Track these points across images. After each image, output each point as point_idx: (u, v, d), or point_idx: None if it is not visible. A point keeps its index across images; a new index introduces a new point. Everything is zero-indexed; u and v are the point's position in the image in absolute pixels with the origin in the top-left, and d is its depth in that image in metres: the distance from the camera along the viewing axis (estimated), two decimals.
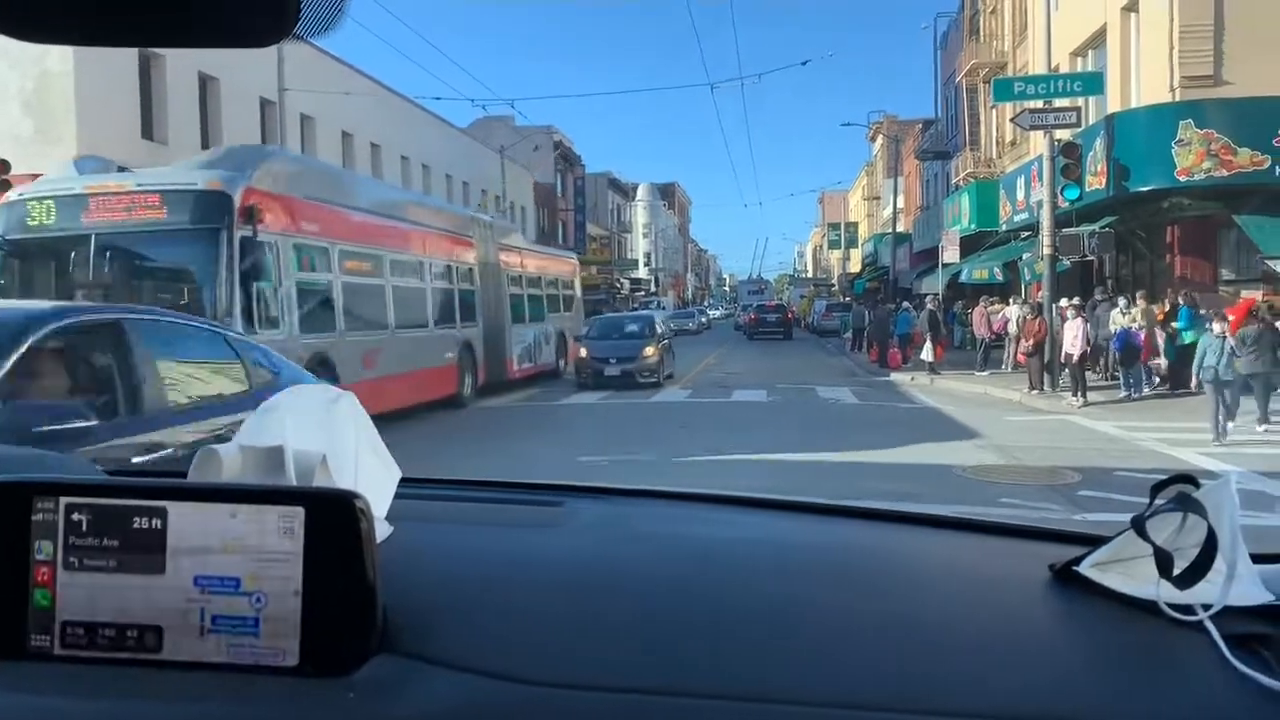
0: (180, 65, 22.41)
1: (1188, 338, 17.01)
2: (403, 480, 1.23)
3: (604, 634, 0.99)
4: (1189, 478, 1.04)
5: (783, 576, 1.15)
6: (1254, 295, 16.87)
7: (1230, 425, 12.47)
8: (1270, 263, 16.85)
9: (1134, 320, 17.09)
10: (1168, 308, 17.54)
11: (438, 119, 38.80)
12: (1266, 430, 12.85)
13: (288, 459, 1.06)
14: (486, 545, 1.24)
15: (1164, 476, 1.07)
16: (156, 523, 0.93)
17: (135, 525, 0.93)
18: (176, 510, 0.93)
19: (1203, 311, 16.69)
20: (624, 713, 0.88)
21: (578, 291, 28.15)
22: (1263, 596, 1.02)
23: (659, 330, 22.41)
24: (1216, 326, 13.04)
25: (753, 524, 1.47)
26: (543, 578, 1.12)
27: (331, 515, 0.91)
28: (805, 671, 0.92)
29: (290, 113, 26.58)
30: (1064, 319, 17.37)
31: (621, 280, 68.94)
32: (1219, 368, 12.65)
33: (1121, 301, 17.96)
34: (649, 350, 21.03)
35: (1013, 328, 21.75)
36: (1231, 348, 12.64)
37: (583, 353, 21.17)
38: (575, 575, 1.13)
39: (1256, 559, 1.07)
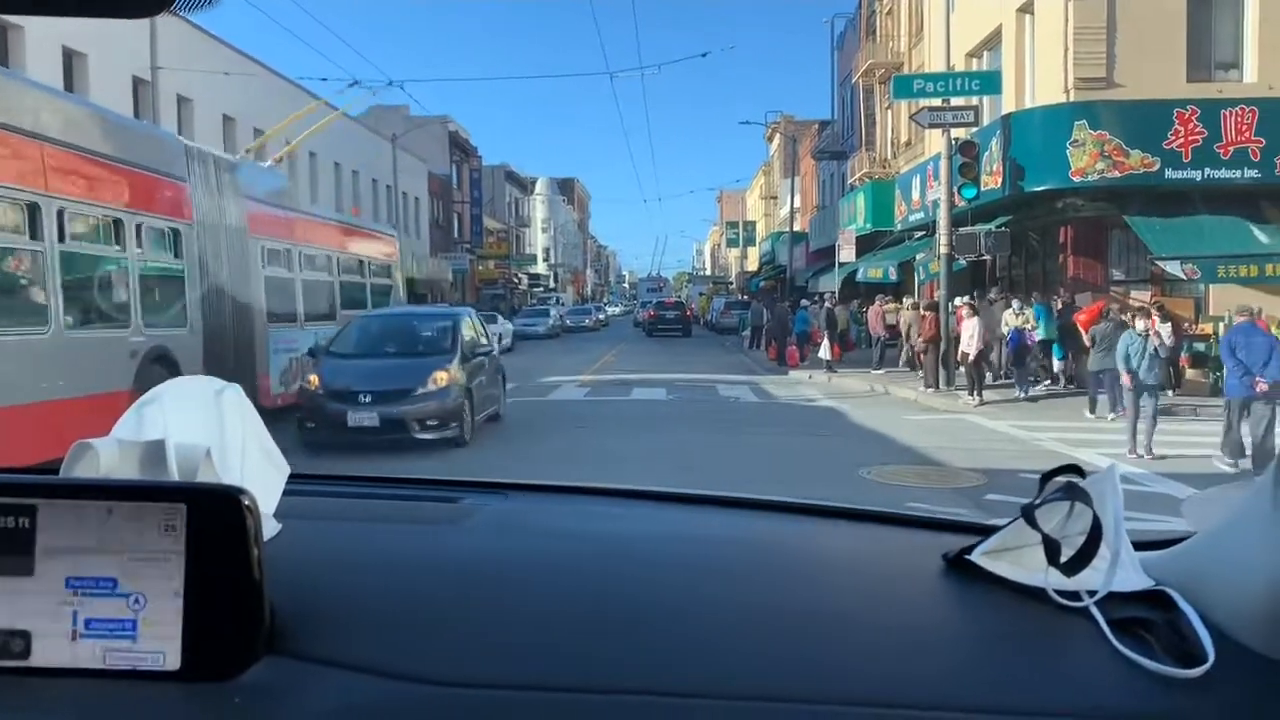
0: (42, 38, 20.84)
1: (1041, 334, 17.33)
2: (292, 476, 1.20)
3: (502, 632, 0.96)
4: (1076, 468, 1.08)
5: (684, 571, 1.16)
6: (1104, 299, 17.24)
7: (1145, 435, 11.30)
8: (1160, 264, 17.10)
9: (1026, 321, 16.98)
10: (1060, 306, 17.71)
11: (329, 107, 37.35)
12: (1113, 418, 13.65)
13: (169, 453, 1.01)
14: (380, 543, 1.22)
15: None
16: (24, 521, 0.88)
17: (1, 524, 0.88)
18: (47, 508, 0.89)
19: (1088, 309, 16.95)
20: (522, 710, 0.86)
21: (398, 283, 21.02)
22: (1144, 582, 1.04)
23: (467, 337, 12.88)
24: (1139, 324, 11.91)
25: (654, 518, 1.47)
26: (439, 575, 1.10)
27: (216, 512, 0.89)
28: (707, 665, 0.91)
29: (166, 94, 25.16)
30: (960, 318, 17.39)
31: (519, 275, 68.03)
32: (1140, 371, 11.46)
33: (1015, 303, 17.79)
34: (440, 376, 11.64)
35: (903, 327, 22.01)
36: (1154, 349, 11.62)
37: (311, 380, 11.90)
38: (472, 572, 1.11)
39: (1137, 546, 1.10)
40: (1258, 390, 10.28)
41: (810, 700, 0.87)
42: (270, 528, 1.06)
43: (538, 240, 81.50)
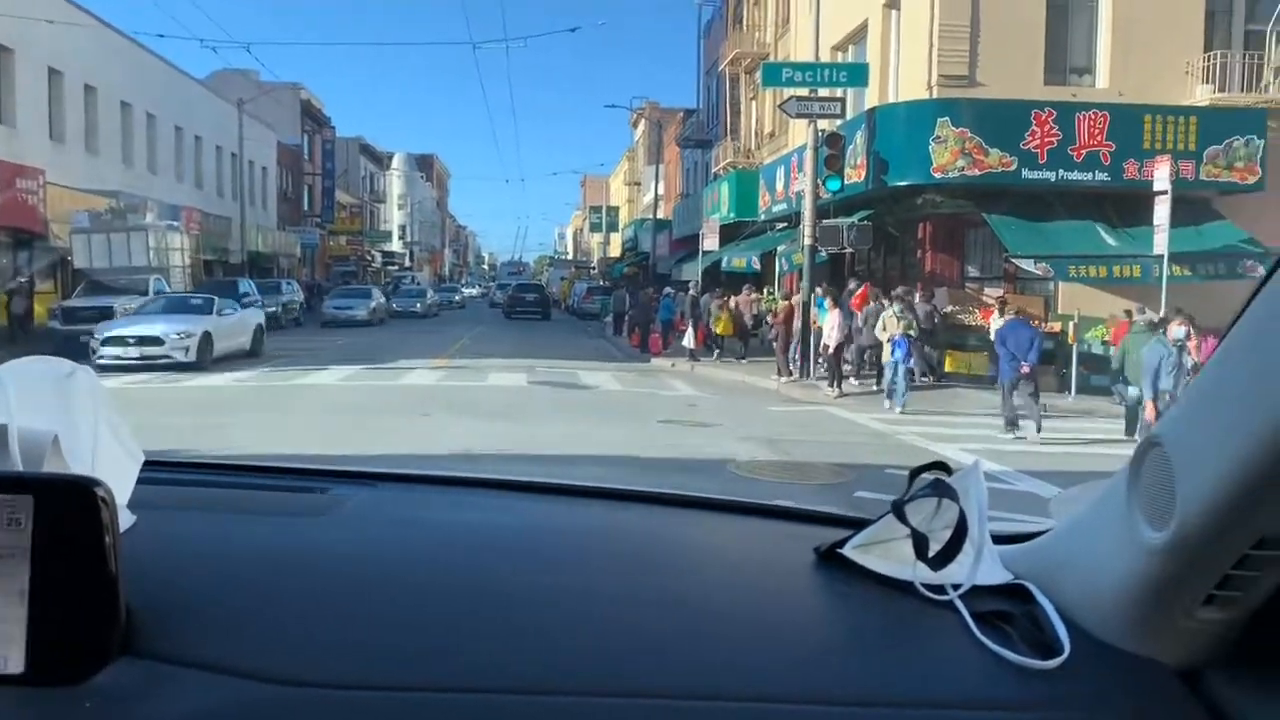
0: None
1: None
2: (147, 464, 1.14)
3: (369, 629, 0.94)
4: (943, 465, 1.13)
5: (557, 563, 1.15)
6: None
7: None
8: (1016, 261, 17.45)
9: (911, 327, 15.29)
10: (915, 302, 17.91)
11: (169, 66, 35.04)
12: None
13: (11, 439, 0.94)
14: (243, 535, 1.19)
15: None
16: None
17: None
18: None
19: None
20: (385, 711, 0.84)
21: None
22: (1004, 576, 1.08)
23: None
24: (1175, 329, 10.00)
25: (524, 509, 1.46)
26: (304, 570, 1.07)
27: (65, 504, 0.84)
28: (574, 661, 0.91)
29: None
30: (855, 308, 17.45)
31: (373, 252, 65.91)
32: (1175, 391, 9.87)
33: (896, 306, 15.87)
34: None
35: (747, 319, 22.74)
36: (1193, 365, 10.18)
37: None
38: (340, 567, 1.09)
39: (998, 540, 1.14)
40: (1022, 373, 12.35)
41: (677, 695, 0.87)
42: (125, 519, 1.01)
43: (393, 217, 79.08)
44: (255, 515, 1.29)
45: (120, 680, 0.82)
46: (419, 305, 42.62)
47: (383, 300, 38.26)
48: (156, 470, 1.26)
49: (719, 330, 22.47)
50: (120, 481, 1.05)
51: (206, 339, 19.18)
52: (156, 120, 33.58)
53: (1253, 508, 0.82)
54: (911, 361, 14.95)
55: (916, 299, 17.46)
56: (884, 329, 15.66)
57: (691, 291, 23.84)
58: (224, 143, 39.06)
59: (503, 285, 57.42)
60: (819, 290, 18.48)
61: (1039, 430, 12.10)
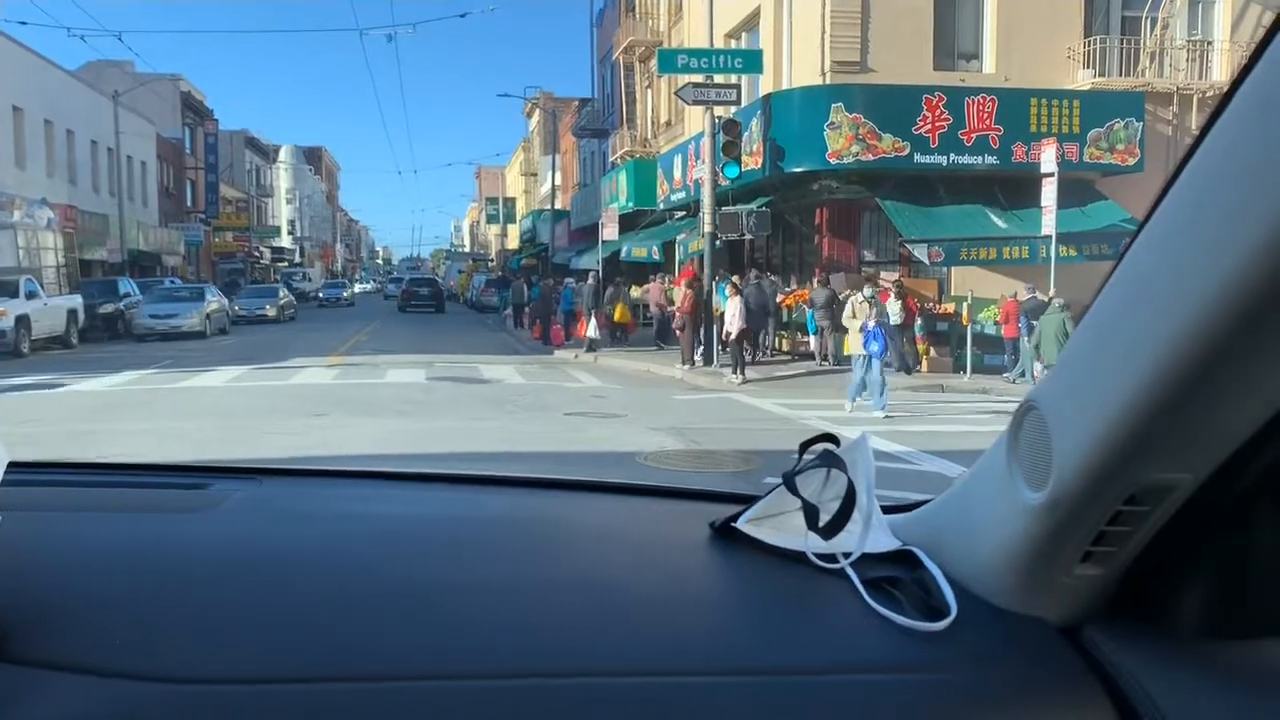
0: None
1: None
2: (11, 464, 1.07)
3: (256, 624, 0.92)
4: (831, 436, 1.14)
5: (455, 552, 1.13)
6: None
7: None
8: (908, 246, 17.72)
9: (884, 314, 13.92)
10: (813, 288, 18.08)
11: (37, 56, 33.26)
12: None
13: None
14: (116, 534, 1.15)
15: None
16: None
17: None
18: None
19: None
20: (274, 705, 0.81)
21: None
22: (892, 543, 1.11)
23: None
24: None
25: (417, 500, 1.44)
26: (181, 567, 1.04)
27: None
28: (476, 647, 0.90)
29: None
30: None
31: (261, 249, 63.95)
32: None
33: (866, 290, 14.55)
34: None
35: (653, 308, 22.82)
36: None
37: None
38: (222, 562, 1.06)
39: (886, 510, 1.16)
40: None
41: (581, 674, 0.88)
42: None
43: (282, 212, 76.74)
44: (128, 513, 1.24)
45: None
46: (269, 308, 35.40)
47: (223, 302, 31.10)
48: (22, 472, 1.19)
49: (617, 319, 22.54)
50: None
51: None
52: (24, 113, 31.86)
53: (1124, 465, 0.84)
54: (888, 355, 13.41)
55: (814, 284, 17.65)
56: (853, 316, 13.67)
57: (591, 281, 23.71)
58: (99, 137, 37.30)
59: (395, 280, 56.36)
60: (736, 280, 18.51)
61: (850, 406, 13.05)
